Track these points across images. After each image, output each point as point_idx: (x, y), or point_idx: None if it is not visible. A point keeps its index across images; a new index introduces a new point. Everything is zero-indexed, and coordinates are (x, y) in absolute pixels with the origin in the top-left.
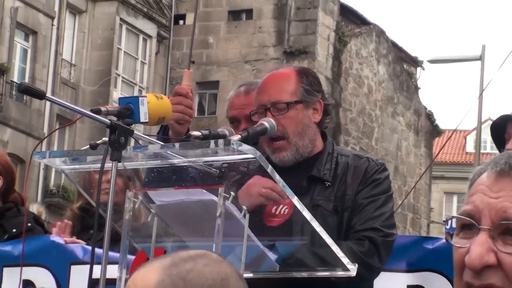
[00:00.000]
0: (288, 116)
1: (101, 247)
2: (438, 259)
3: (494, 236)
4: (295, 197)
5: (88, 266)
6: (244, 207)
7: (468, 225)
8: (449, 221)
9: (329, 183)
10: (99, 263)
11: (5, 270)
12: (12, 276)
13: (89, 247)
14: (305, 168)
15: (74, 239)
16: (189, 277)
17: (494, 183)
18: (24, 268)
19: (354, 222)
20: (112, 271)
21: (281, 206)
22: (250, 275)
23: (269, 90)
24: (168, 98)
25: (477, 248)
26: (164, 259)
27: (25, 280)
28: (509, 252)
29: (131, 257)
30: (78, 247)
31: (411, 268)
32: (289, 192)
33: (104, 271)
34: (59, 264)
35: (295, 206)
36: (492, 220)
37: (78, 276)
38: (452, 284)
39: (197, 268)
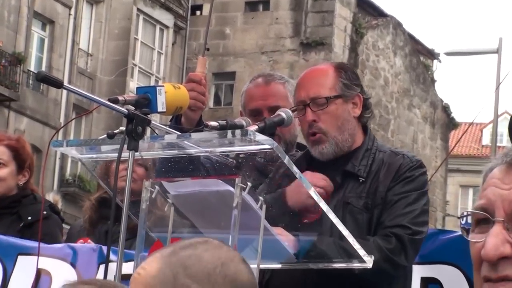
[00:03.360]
0: (327, 111)
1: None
2: (452, 252)
3: (509, 227)
4: (312, 189)
5: (114, 264)
6: (261, 198)
7: (483, 220)
8: (464, 217)
9: (363, 179)
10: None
11: (20, 258)
12: (26, 264)
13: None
14: (342, 163)
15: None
16: (188, 263)
17: (505, 175)
18: (41, 258)
19: (383, 219)
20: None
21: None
22: (278, 265)
23: (307, 86)
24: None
25: (492, 240)
26: (165, 249)
27: (40, 269)
28: None
29: None
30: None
31: (425, 261)
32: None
33: (120, 265)
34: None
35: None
36: (505, 211)
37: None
38: (465, 276)
39: (196, 254)
